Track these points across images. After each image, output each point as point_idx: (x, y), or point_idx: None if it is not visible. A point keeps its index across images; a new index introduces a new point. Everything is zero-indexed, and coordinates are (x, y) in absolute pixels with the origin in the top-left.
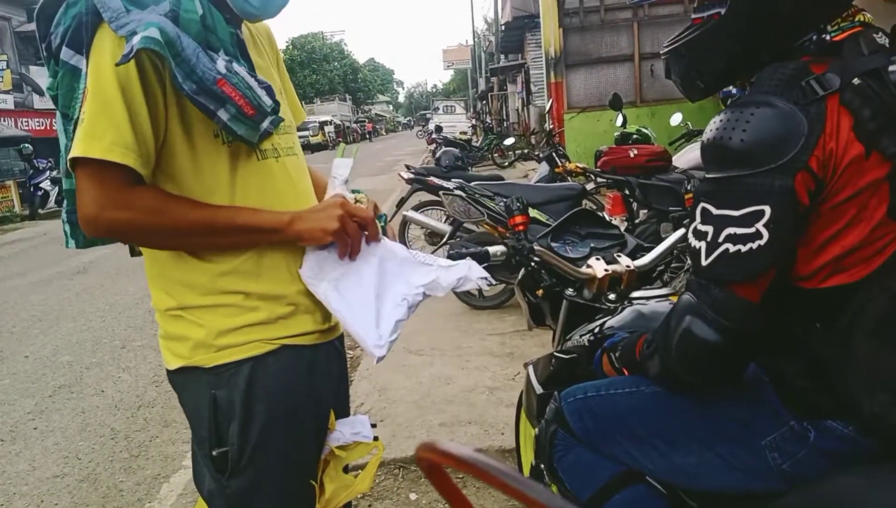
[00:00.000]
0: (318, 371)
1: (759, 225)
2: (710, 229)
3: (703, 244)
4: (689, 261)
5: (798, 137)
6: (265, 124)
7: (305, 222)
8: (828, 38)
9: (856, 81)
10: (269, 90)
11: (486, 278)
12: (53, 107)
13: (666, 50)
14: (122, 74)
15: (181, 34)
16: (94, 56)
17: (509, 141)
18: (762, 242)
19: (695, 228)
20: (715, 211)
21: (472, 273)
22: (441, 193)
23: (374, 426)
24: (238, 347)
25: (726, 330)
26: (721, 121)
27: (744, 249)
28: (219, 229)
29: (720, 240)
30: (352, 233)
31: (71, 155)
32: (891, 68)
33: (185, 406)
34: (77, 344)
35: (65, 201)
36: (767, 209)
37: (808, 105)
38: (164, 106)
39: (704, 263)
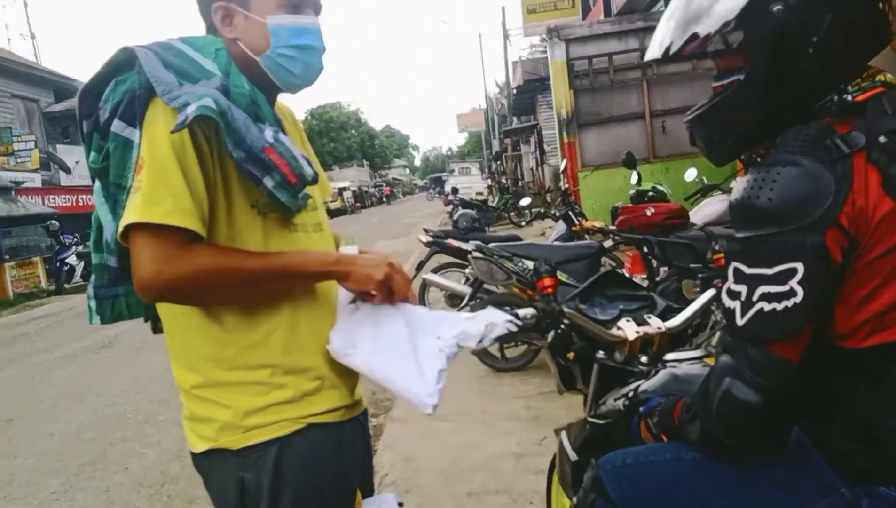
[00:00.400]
0: (344, 449)
1: (794, 283)
2: (743, 288)
3: (737, 304)
4: (713, 319)
5: (826, 194)
6: (299, 198)
7: (354, 265)
8: (849, 98)
9: (882, 139)
10: (308, 162)
11: (511, 321)
12: (79, 184)
13: (689, 118)
14: (178, 143)
15: (232, 106)
16: (147, 128)
17: (525, 201)
18: (797, 299)
19: (728, 288)
20: (747, 270)
21: (497, 318)
22: (469, 256)
23: (400, 505)
24: (265, 427)
25: (766, 390)
26: (748, 181)
27: (779, 307)
28: (271, 275)
29: (754, 299)
30: (395, 287)
31: (130, 220)
32: None
33: (211, 490)
34: (101, 420)
35: (92, 276)
36: (800, 267)
37: (835, 163)
38: (213, 174)
39: (740, 323)
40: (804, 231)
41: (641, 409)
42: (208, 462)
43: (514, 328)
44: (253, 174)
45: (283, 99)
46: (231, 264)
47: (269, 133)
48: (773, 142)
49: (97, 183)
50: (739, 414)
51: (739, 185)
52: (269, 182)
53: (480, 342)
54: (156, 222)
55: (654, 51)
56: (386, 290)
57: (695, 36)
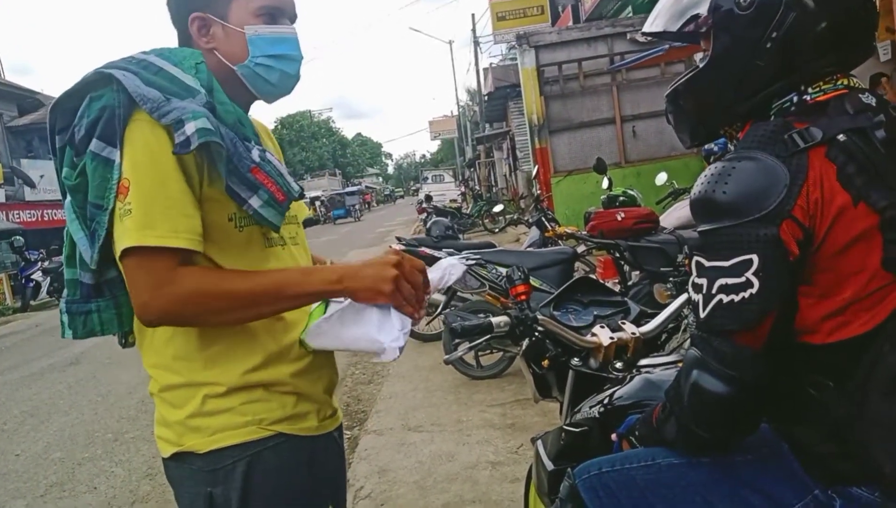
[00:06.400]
0: (316, 465)
1: (749, 274)
2: (704, 281)
3: (700, 297)
4: (684, 322)
5: (779, 187)
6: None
7: (359, 281)
8: (808, 98)
9: (841, 137)
10: (293, 178)
11: (466, 258)
12: (44, 199)
13: (668, 90)
14: (162, 161)
15: (220, 125)
16: (128, 148)
17: (498, 208)
18: (753, 290)
19: (692, 281)
20: (707, 263)
21: (453, 261)
22: None
23: None
24: (231, 431)
25: (733, 380)
26: (706, 176)
27: (736, 298)
28: (266, 298)
29: (713, 291)
30: (407, 295)
31: (126, 245)
32: (878, 134)
33: (180, 503)
34: (69, 439)
35: (65, 291)
36: (755, 258)
37: (790, 157)
38: (198, 189)
39: (702, 315)
40: (758, 223)
41: (620, 429)
42: (177, 469)
43: (471, 263)
44: (238, 195)
45: (254, 110)
46: (222, 288)
47: (255, 152)
48: (733, 131)
49: (69, 198)
50: (710, 405)
51: (699, 181)
52: (255, 202)
53: (440, 288)
54: (151, 245)
55: (648, 25)
56: (402, 298)
57: (682, 16)
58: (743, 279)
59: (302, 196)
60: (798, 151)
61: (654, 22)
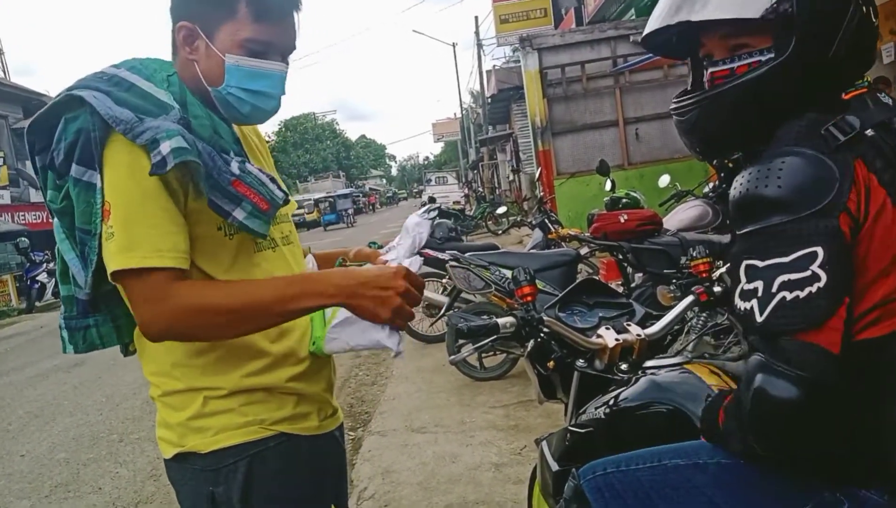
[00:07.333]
0: (318, 465)
1: (815, 267)
2: (759, 283)
3: (753, 302)
4: (688, 325)
5: (833, 181)
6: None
7: (357, 299)
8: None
9: (868, 132)
10: (276, 183)
11: (424, 212)
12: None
13: (695, 100)
14: (142, 182)
15: (196, 140)
16: (108, 170)
17: (501, 210)
18: (821, 284)
19: (741, 290)
20: (761, 263)
21: (416, 220)
22: (446, 265)
23: None
24: (233, 431)
25: (804, 381)
26: (749, 175)
27: (802, 294)
28: (264, 314)
29: (774, 290)
30: (406, 316)
31: (112, 269)
32: None
33: (183, 504)
34: (74, 440)
35: (62, 307)
36: (820, 250)
37: (834, 153)
38: (184, 203)
39: (760, 319)
40: (817, 216)
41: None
42: (179, 470)
43: (433, 214)
44: (221, 208)
45: None
46: (219, 303)
47: (234, 165)
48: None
49: (56, 220)
50: (778, 414)
51: (740, 181)
52: (239, 214)
53: (416, 251)
54: (134, 266)
55: (691, 13)
56: (398, 320)
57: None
58: (808, 273)
59: (287, 201)
60: (840, 144)
61: (707, 8)
